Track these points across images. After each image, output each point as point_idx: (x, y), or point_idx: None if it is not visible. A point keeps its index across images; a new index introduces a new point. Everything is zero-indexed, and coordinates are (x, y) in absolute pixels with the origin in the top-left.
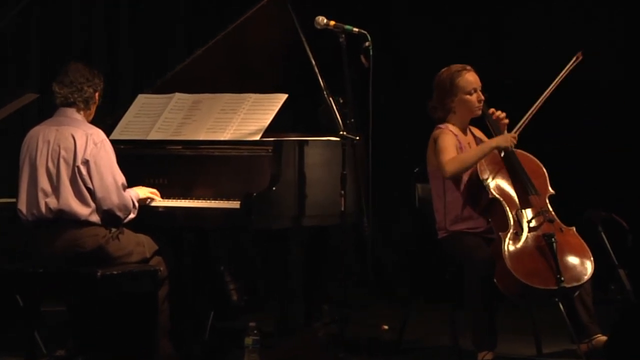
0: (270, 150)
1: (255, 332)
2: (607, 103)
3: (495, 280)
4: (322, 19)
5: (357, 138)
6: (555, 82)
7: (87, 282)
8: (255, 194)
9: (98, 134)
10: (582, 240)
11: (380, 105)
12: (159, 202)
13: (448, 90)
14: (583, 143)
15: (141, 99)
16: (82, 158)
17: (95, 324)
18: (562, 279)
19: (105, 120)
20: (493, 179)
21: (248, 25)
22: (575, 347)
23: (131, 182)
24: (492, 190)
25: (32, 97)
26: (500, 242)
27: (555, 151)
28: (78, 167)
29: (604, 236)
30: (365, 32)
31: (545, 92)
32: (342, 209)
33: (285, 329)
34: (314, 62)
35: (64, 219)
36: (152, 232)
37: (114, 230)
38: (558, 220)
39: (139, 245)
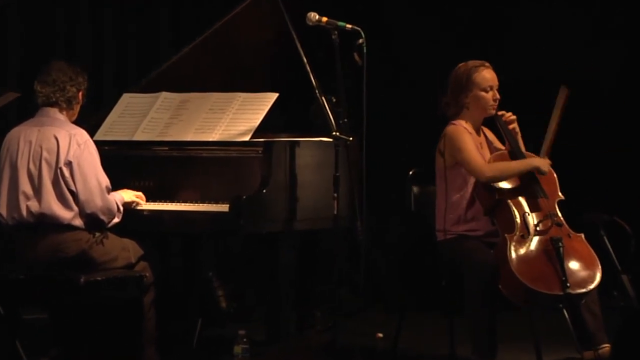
0: (260, 152)
1: (244, 340)
2: (608, 103)
3: (499, 286)
4: (314, 15)
5: (351, 139)
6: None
7: (70, 288)
8: (244, 197)
9: (81, 134)
10: (591, 248)
11: (374, 105)
12: (145, 205)
13: (464, 85)
14: (584, 144)
15: (126, 98)
16: (65, 159)
17: (78, 331)
18: (568, 284)
19: (89, 120)
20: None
21: (237, 21)
22: (579, 356)
23: (116, 185)
24: (499, 190)
25: (13, 96)
26: (505, 244)
27: (555, 153)
28: (61, 169)
29: (606, 240)
30: (359, 29)
31: (557, 110)
32: (335, 212)
33: (275, 337)
34: (305, 60)
35: (46, 223)
36: (137, 236)
37: (97, 234)
38: (566, 226)
39: (124, 250)
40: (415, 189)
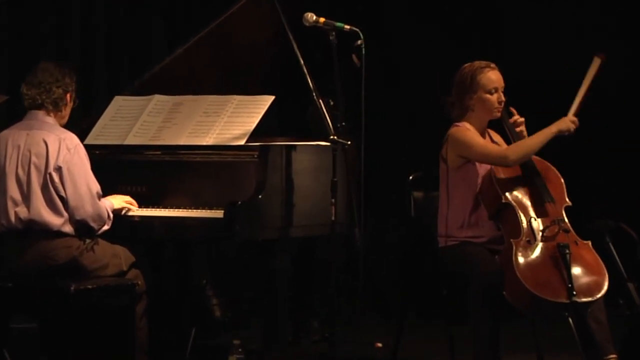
0: (255, 156)
1: (239, 350)
2: (615, 107)
3: (504, 293)
4: (311, 16)
5: (349, 143)
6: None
7: (60, 296)
8: (239, 203)
9: (71, 138)
10: (598, 256)
11: (373, 108)
12: (136, 211)
13: (468, 86)
14: (590, 149)
15: (118, 101)
16: (55, 164)
17: (68, 341)
18: (574, 292)
19: (80, 123)
20: (508, 182)
21: (232, 22)
22: None
23: (107, 190)
24: (505, 194)
25: (1, 99)
26: (510, 250)
27: (560, 157)
28: (50, 174)
29: (612, 247)
30: (357, 30)
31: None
32: (333, 218)
33: (271, 347)
34: (302, 62)
35: (35, 230)
36: (129, 243)
37: (88, 241)
38: (574, 233)
39: (115, 257)
40: (415, 194)
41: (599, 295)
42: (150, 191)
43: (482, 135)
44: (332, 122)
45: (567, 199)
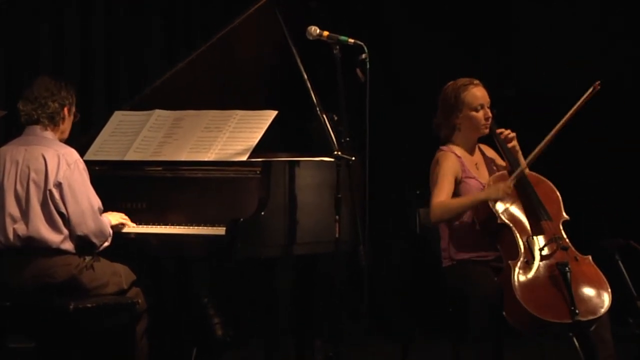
0: (258, 172)
1: None
2: (623, 122)
3: (504, 314)
4: (314, 29)
5: (353, 158)
6: (569, 113)
7: (59, 315)
8: (241, 220)
9: (71, 154)
10: (599, 270)
11: (378, 123)
12: (137, 228)
13: (453, 105)
14: (597, 165)
15: (118, 116)
16: (55, 180)
17: None
18: (577, 311)
19: (79, 139)
20: (503, 202)
21: (234, 35)
22: None
23: (107, 207)
24: (501, 214)
25: (0, 114)
26: (509, 272)
27: (566, 174)
28: (50, 191)
29: (621, 265)
30: (362, 44)
31: (558, 125)
32: (337, 235)
33: None
34: (305, 76)
35: (34, 247)
36: (130, 260)
37: (88, 258)
38: (573, 248)
39: (115, 276)
40: (421, 211)
41: (602, 312)
42: (151, 208)
43: (472, 152)
44: (336, 138)
45: (564, 214)
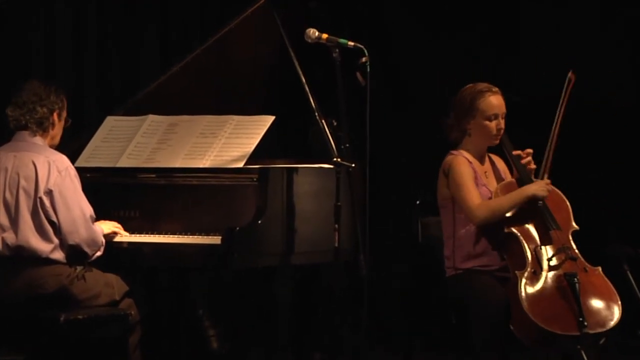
0: (255, 179)
1: None
2: (629, 127)
3: (510, 326)
4: (313, 32)
5: (353, 165)
6: (558, 112)
7: (49, 327)
8: (238, 228)
9: (62, 160)
10: (609, 282)
11: (378, 129)
12: (130, 237)
13: (467, 109)
14: (604, 172)
15: (110, 121)
16: (45, 188)
17: None
18: (585, 324)
19: (70, 145)
20: (510, 211)
21: (231, 38)
22: None
23: (99, 216)
24: (508, 223)
25: None
26: (516, 282)
27: (573, 182)
28: (40, 199)
29: (629, 275)
30: (362, 47)
31: (555, 128)
32: (336, 244)
33: None
34: (304, 80)
35: (23, 257)
36: (123, 270)
37: (79, 268)
38: (582, 259)
39: (108, 286)
40: (422, 219)
41: (611, 325)
42: (144, 216)
43: (482, 161)
44: (335, 144)
45: (573, 224)
